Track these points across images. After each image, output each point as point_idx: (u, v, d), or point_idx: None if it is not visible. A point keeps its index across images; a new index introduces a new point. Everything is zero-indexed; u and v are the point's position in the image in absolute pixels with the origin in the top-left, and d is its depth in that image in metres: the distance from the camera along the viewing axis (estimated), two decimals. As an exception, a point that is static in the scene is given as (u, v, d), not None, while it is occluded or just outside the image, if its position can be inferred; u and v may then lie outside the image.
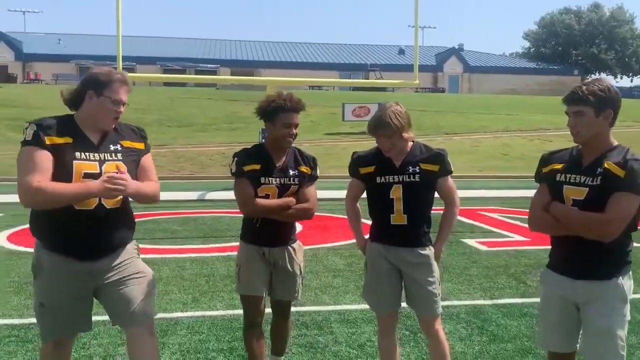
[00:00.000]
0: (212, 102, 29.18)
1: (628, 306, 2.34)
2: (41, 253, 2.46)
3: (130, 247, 2.59)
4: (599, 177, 2.24)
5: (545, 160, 2.48)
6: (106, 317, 2.66)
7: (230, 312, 4.34)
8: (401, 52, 55.49)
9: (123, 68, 12.91)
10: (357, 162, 2.95)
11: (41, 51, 47.58)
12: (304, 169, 3.00)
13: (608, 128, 2.31)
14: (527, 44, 67.93)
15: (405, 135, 2.78)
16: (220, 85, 35.09)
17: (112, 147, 2.45)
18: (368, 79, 42.82)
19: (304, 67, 47.00)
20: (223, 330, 4.00)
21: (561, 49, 62.54)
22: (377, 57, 54.57)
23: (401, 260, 2.84)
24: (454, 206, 2.90)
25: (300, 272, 3.14)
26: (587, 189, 2.27)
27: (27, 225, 6.70)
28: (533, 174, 2.60)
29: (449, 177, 2.87)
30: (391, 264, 2.86)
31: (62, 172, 2.33)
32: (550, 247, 2.53)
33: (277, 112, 2.87)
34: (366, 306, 4.54)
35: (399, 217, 2.81)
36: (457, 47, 56.39)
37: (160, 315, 4.31)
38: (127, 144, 2.51)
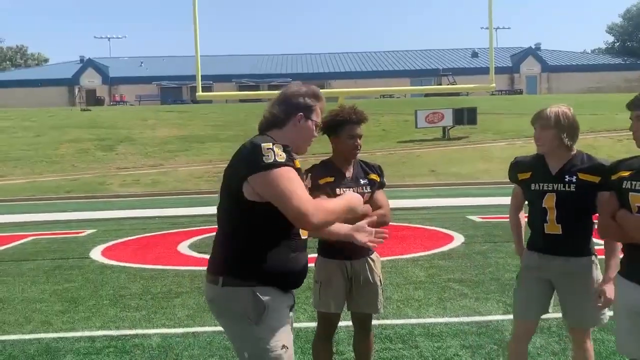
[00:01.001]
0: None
1: None
2: (261, 292, 2.05)
3: None
4: None
5: (614, 168, 2.47)
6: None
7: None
8: (474, 55, 54.16)
9: (202, 87, 13.46)
10: (516, 167, 2.92)
11: (125, 74, 50.56)
12: (373, 176, 3.06)
13: None
14: (611, 39, 64.37)
15: (563, 138, 2.70)
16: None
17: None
18: (440, 84, 42.07)
19: (374, 76, 46.97)
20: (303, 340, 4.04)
21: (650, 41, 58.73)
22: (449, 61, 53.56)
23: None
24: None
25: (381, 283, 3.12)
26: None
27: (118, 240, 7.00)
28: None
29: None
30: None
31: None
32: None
33: (342, 125, 2.93)
34: (451, 319, 4.49)
35: (552, 226, 2.76)
36: (533, 46, 54.32)
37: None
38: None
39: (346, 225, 2.34)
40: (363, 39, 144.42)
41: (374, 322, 4.47)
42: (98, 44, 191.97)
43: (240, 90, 40.75)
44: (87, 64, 51.34)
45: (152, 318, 4.75)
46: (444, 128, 24.14)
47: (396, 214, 11.49)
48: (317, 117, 2.25)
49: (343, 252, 2.97)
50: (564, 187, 2.70)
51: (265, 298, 2.03)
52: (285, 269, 2.09)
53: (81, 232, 9.79)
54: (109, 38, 65.06)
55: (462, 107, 24.34)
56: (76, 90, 48.24)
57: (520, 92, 46.55)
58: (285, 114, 2.20)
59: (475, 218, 9.87)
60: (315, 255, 3.06)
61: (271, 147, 2.01)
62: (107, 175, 20.33)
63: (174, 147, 24.04)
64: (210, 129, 27.40)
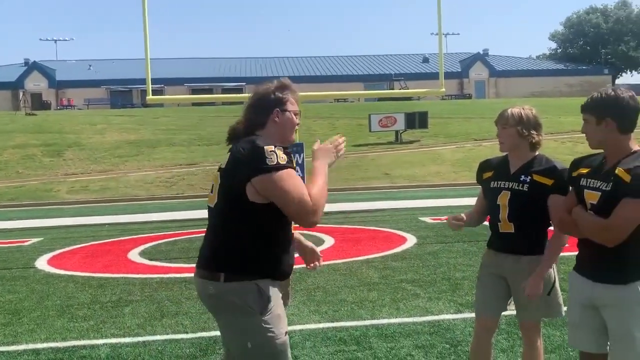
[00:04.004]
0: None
1: None
2: (263, 285, 2.17)
3: None
4: (611, 183, 2.29)
5: (575, 165, 2.55)
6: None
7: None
8: (425, 60, 55.27)
9: (152, 90, 13.20)
10: (481, 168, 3.04)
11: (73, 77, 48.97)
12: None
13: (617, 134, 2.33)
14: (553, 46, 67.03)
15: (524, 137, 2.78)
16: (245, 103, 35.45)
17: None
18: (393, 88, 42.72)
19: (328, 81, 47.19)
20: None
21: (589, 48, 61.38)
22: (401, 66, 54.46)
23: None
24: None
25: None
26: (600, 193, 2.33)
27: (66, 249, 6.80)
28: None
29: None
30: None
31: None
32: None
33: None
34: (404, 320, 4.55)
35: (505, 225, 2.84)
36: (481, 52, 55.89)
37: (199, 334, 4.36)
38: None
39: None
40: (317, 43, 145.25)
41: (329, 324, 4.51)
42: (44, 47, 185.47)
43: (193, 94, 40.15)
44: (32, 67, 49.45)
45: (100, 328, 4.61)
46: (396, 132, 24.51)
47: (351, 216, 11.58)
48: (293, 105, 2.35)
49: None
50: (518, 186, 2.79)
51: (268, 290, 2.16)
52: (283, 262, 2.24)
53: (26, 241, 9.41)
54: (56, 40, 63.02)
55: (413, 111, 24.80)
56: (20, 94, 46.37)
57: (469, 97, 47.76)
58: (263, 115, 2.31)
59: (427, 219, 10.05)
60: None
61: (273, 149, 2.13)
62: (54, 181, 19.64)
63: (124, 152, 23.45)
64: (162, 134, 26.87)
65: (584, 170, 2.45)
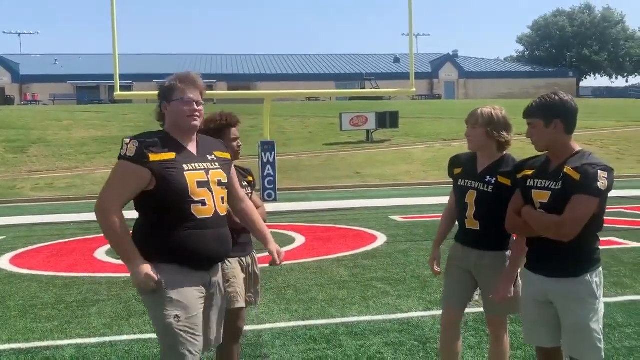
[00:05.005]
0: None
1: (599, 301, 2.47)
2: (159, 268, 2.34)
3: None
4: (560, 182, 2.40)
5: (519, 167, 2.66)
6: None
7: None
8: (396, 60, 55.69)
9: (120, 86, 12.96)
10: (452, 162, 3.12)
11: (38, 72, 47.66)
12: (250, 178, 3.27)
13: (564, 136, 2.46)
14: (521, 48, 68.30)
15: (492, 137, 2.85)
16: (217, 99, 35.18)
17: (209, 157, 2.48)
18: (364, 88, 42.93)
19: (300, 79, 47.08)
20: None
21: (555, 51, 62.78)
22: (372, 66, 54.74)
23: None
24: None
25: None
26: (550, 192, 2.43)
27: (29, 248, 6.66)
28: None
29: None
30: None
31: (176, 185, 2.32)
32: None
33: (224, 129, 3.05)
34: (374, 317, 4.58)
35: (471, 222, 2.93)
36: (451, 53, 56.59)
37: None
38: (218, 154, 2.55)
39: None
40: (289, 41, 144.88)
41: (300, 323, 4.51)
42: (7, 40, 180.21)
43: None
44: (-6, 60, 48.09)
45: (65, 328, 4.50)
46: (367, 131, 24.64)
47: (322, 215, 11.59)
48: (182, 93, 2.45)
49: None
50: (484, 186, 2.87)
51: (160, 272, 2.31)
52: (174, 247, 2.34)
53: (-13, 240, 9.13)
54: (20, 34, 61.22)
55: (384, 110, 24.98)
56: (-19, 89, 44.97)
57: (439, 97, 48.35)
58: (159, 108, 2.52)
59: (398, 218, 10.14)
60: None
61: (128, 142, 2.37)
62: (18, 178, 19.11)
63: (91, 149, 22.96)
64: (130, 130, 26.34)
65: (529, 172, 2.56)
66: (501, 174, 2.83)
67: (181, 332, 2.30)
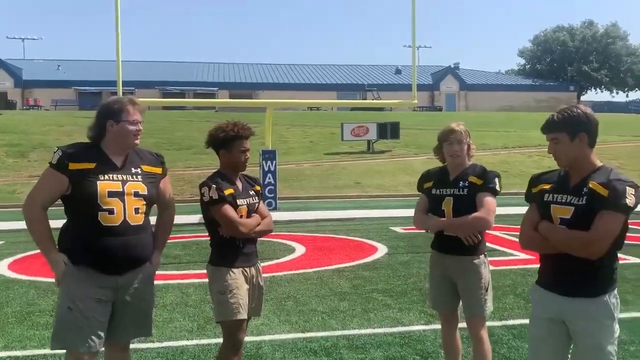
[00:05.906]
0: (211, 125, 28.75)
1: (616, 323, 2.41)
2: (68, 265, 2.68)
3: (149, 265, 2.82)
4: (585, 197, 2.34)
5: (534, 181, 2.61)
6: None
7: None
8: (398, 71, 55.85)
9: (123, 93, 12.98)
10: (422, 178, 3.38)
11: (41, 77, 47.80)
12: (257, 188, 3.26)
13: (587, 150, 2.41)
14: (522, 61, 68.55)
15: (469, 149, 3.19)
16: (218, 108, 35.23)
17: (133, 170, 2.73)
18: (366, 98, 43.00)
19: (302, 89, 47.25)
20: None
21: (556, 65, 63.03)
22: (374, 77, 54.90)
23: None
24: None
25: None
26: (573, 208, 2.37)
27: (28, 253, 6.62)
28: None
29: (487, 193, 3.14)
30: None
31: (86, 192, 2.60)
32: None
33: (234, 140, 3.07)
34: (375, 330, 4.53)
35: None
36: (452, 65, 56.78)
37: (165, 343, 4.25)
38: (147, 168, 2.80)
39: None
40: (292, 51, 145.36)
41: (300, 335, 4.45)
42: (10, 45, 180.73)
43: (164, 98, 39.65)
44: (-3, 64, 48.21)
45: (63, 336, 4.44)
46: (368, 141, 24.64)
47: (322, 225, 11.54)
48: (129, 116, 2.72)
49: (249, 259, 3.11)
50: (459, 191, 3.11)
51: (62, 269, 2.67)
52: (84, 250, 2.64)
53: (-15, 245, 9.08)
54: (23, 39, 61.43)
55: (385, 121, 24.99)
56: (-16, 93, 45.04)
57: (440, 109, 48.44)
58: (101, 126, 2.73)
59: (398, 229, 10.09)
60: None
61: (55, 151, 2.68)
62: (18, 183, 19.07)
63: (92, 155, 22.90)
64: (132, 137, 26.38)
65: (546, 186, 2.50)
66: (472, 175, 3.10)
67: (70, 323, 2.59)
